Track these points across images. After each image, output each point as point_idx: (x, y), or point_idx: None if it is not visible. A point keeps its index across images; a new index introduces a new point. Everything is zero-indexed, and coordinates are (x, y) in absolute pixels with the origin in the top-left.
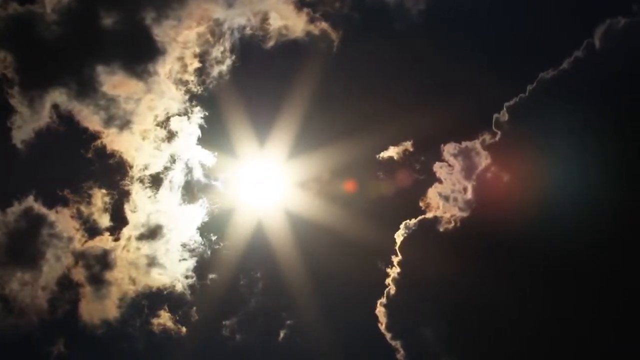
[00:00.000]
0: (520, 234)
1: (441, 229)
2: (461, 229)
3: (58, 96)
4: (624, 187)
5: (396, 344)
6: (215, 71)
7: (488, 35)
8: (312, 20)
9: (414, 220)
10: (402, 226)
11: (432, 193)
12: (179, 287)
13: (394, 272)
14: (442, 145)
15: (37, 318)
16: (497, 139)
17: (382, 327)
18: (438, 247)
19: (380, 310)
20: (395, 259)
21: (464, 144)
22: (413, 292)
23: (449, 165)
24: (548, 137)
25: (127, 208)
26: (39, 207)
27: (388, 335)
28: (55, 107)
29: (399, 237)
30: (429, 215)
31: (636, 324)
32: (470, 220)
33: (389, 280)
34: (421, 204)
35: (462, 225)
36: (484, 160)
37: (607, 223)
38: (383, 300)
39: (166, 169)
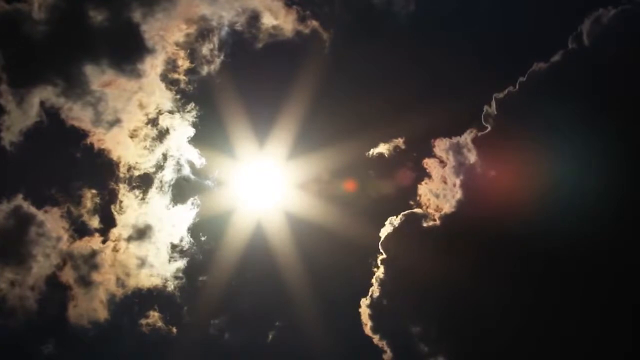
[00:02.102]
0: (511, 230)
1: (428, 225)
2: (449, 225)
3: (47, 95)
4: (615, 181)
5: (382, 344)
6: (205, 70)
7: (477, 29)
8: (302, 19)
9: (399, 216)
10: (387, 223)
11: (424, 189)
12: (170, 288)
13: (379, 271)
14: (433, 140)
15: (26, 318)
16: (487, 132)
17: (367, 328)
18: (422, 243)
19: (364, 311)
20: (379, 257)
21: (455, 139)
22: (395, 291)
23: (441, 161)
24: (538, 130)
25: (117, 208)
26: (28, 207)
27: (373, 336)
28: (44, 106)
29: (384, 234)
30: (418, 211)
31: (622, 322)
32: (459, 215)
33: (373, 279)
34: (413, 200)
35: (450, 221)
36: (474, 155)
37: (600, 218)
38: (367, 300)
39: (157, 168)
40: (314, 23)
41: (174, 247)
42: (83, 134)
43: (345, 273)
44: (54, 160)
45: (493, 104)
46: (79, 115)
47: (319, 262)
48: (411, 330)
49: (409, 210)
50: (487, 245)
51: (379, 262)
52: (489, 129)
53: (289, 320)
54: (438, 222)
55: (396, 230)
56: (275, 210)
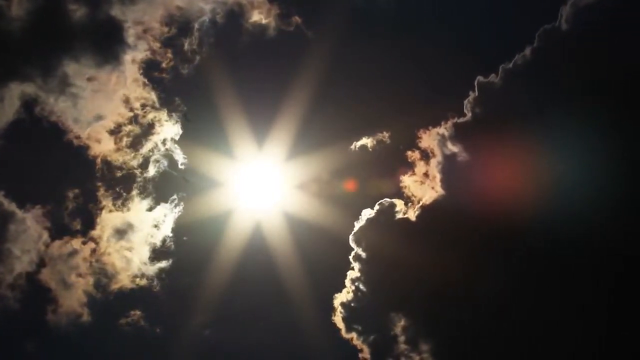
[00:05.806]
0: (494, 222)
1: (401, 217)
2: (429, 216)
3: (27, 91)
4: (602, 169)
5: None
6: (186, 66)
7: (461, 19)
8: (286, 16)
9: (375, 209)
10: (360, 216)
11: (418, 182)
12: (153, 288)
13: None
14: (417, 131)
15: (7, 317)
16: (470, 121)
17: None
18: (393, 235)
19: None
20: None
21: (442, 129)
22: (366, 288)
23: (425, 152)
24: (522, 117)
25: (100, 207)
26: (8, 204)
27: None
28: (25, 103)
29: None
30: (395, 201)
31: (599, 317)
32: (440, 206)
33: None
34: (398, 193)
35: (430, 213)
36: (458, 145)
37: (586, 210)
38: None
39: (140, 166)
40: (297, 19)
41: (156, 247)
42: (64, 131)
43: (342, 272)
44: (35, 157)
45: (477, 91)
46: (60, 112)
47: (312, 261)
48: (388, 326)
49: (385, 200)
50: (472, 236)
51: (351, 258)
52: (473, 117)
53: (277, 320)
54: (414, 217)
55: (368, 223)
56: (266, 210)
